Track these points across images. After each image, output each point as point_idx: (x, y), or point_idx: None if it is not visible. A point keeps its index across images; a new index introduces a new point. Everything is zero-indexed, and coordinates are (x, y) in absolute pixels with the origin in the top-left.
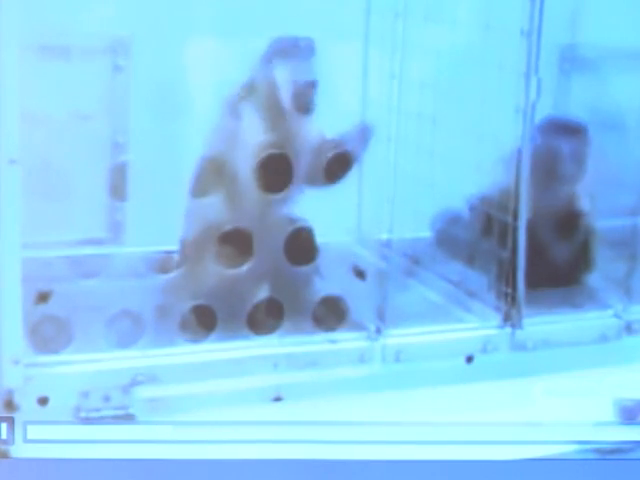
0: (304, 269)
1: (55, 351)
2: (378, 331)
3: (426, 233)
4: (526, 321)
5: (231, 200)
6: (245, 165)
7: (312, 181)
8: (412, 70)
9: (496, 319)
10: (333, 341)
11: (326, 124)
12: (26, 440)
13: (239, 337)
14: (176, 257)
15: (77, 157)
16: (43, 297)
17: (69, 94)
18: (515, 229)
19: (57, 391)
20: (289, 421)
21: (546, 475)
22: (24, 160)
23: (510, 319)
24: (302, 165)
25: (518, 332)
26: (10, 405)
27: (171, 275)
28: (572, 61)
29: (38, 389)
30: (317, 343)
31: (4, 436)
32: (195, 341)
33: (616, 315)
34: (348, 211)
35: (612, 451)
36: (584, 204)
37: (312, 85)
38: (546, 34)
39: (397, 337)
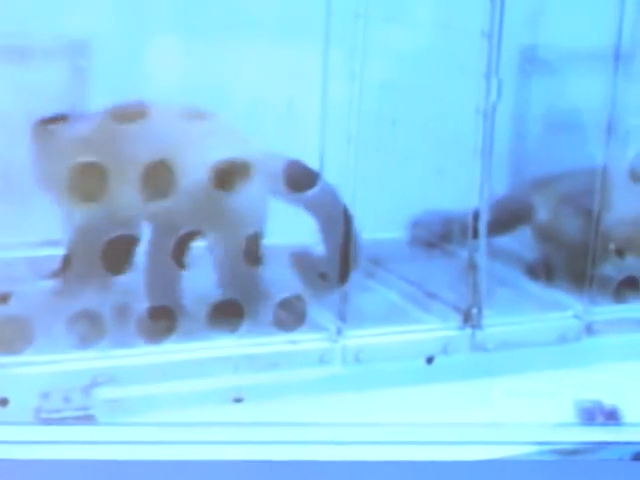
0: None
1: (15, 352)
2: (338, 332)
3: (386, 234)
4: (486, 322)
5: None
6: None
7: None
8: (372, 71)
9: (456, 320)
10: (293, 342)
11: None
12: None
13: (199, 338)
14: None
15: None
16: (3, 298)
17: (28, 95)
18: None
19: (17, 392)
20: (250, 422)
21: (505, 476)
22: None
23: (470, 320)
24: None
25: (478, 333)
26: None
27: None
28: (533, 62)
29: None
30: (277, 344)
31: None
32: (155, 342)
33: (576, 316)
34: None
35: (572, 452)
36: None
37: None
38: (507, 35)
39: (357, 338)
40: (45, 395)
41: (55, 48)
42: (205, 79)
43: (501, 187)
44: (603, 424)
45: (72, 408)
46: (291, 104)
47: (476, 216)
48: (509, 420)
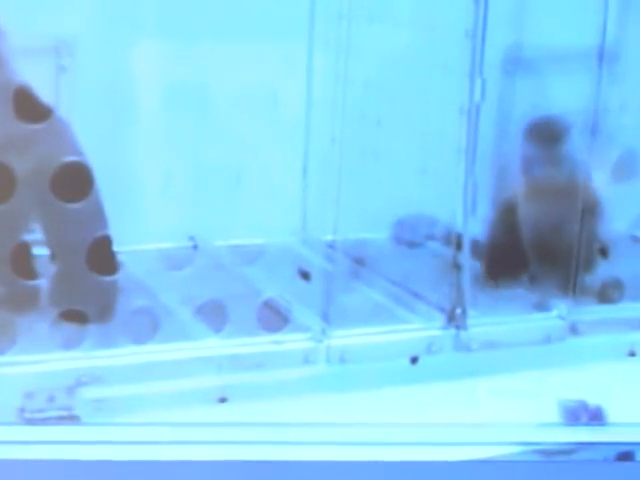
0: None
1: None
2: (323, 332)
3: (371, 234)
4: (470, 322)
5: None
6: None
7: None
8: (356, 71)
9: (440, 320)
10: (278, 342)
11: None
12: None
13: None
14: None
15: None
16: None
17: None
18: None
19: (1, 392)
20: (234, 422)
21: (489, 476)
22: None
23: (454, 320)
24: None
25: (462, 333)
26: None
27: None
28: (516, 62)
29: None
30: (262, 344)
31: None
32: (139, 342)
33: (560, 316)
34: (292, 212)
35: (556, 452)
36: None
37: None
38: (490, 35)
39: (342, 338)
40: (29, 395)
41: (39, 48)
42: (190, 80)
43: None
44: (587, 424)
45: (56, 408)
46: (275, 104)
47: None
48: (493, 420)
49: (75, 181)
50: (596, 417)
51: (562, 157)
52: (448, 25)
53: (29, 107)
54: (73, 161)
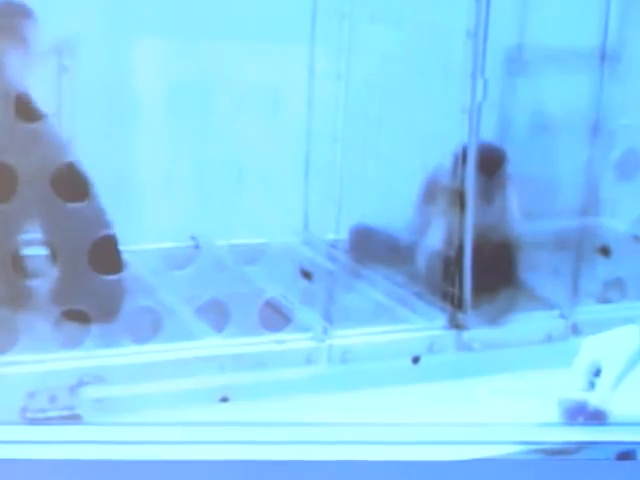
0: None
1: (0, 352)
2: (325, 332)
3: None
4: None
5: None
6: None
7: None
8: (358, 71)
9: (442, 320)
10: (280, 342)
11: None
12: None
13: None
14: None
15: None
16: None
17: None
18: (461, 228)
19: (3, 392)
20: (236, 422)
21: (491, 475)
22: None
23: (455, 321)
24: None
25: (464, 333)
26: None
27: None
28: (518, 62)
29: None
30: (263, 344)
31: None
32: (141, 342)
33: (562, 316)
34: (294, 212)
35: (557, 452)
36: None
37: None
38: (492, 35)
39: (343, 338)
40: (31, 395)
41: (41, 47)
42: (192, 79)
43: None
44: (588, 424)
45: (58, 408)
46: (277, 104)
47: None
48: (494, 420)
49: (76, 181)
50: (597, 417)
51: (493, 190)
52: (450, 25)
53: (27, 110)
54: (73, 161)
